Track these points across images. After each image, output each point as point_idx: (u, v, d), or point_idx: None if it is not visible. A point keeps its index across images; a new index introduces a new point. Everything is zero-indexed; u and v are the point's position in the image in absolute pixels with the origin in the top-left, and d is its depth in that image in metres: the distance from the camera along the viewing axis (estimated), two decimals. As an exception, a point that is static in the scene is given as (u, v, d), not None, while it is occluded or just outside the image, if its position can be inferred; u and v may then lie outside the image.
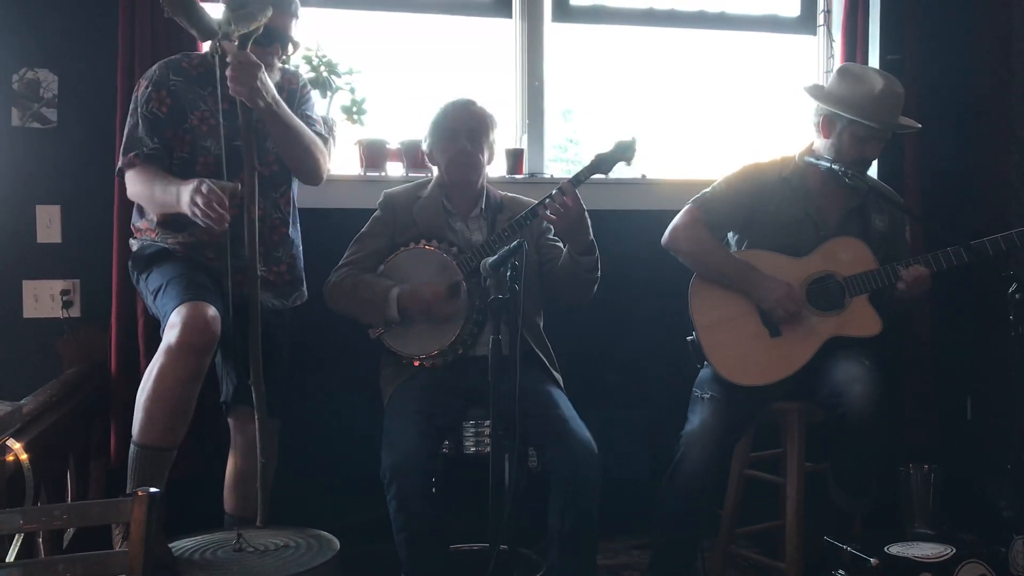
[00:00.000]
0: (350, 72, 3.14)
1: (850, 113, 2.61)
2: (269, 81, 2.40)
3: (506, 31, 3.41)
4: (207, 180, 2.28)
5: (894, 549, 2.45)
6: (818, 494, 2.72)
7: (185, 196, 2.28)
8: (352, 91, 3.16)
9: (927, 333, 3.35)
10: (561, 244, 2.71)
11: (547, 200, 2.54)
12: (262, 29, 2.35)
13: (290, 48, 2.56)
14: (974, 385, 3.42)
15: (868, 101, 2.60)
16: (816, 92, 2.72)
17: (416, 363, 2.62)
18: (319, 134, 2.64)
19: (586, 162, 2.62)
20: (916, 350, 3.36)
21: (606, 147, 2.60)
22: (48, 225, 2.93)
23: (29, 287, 2.93)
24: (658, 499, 2.62)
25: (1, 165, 2.90)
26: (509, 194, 2.87)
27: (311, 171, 2.60)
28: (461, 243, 2.68)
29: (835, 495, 2.68)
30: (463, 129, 2.69)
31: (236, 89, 2.33)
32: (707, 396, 2.63)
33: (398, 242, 2.70)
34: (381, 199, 2.79)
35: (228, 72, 2.33)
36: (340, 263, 2.70)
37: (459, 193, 2.75)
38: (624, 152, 2.59)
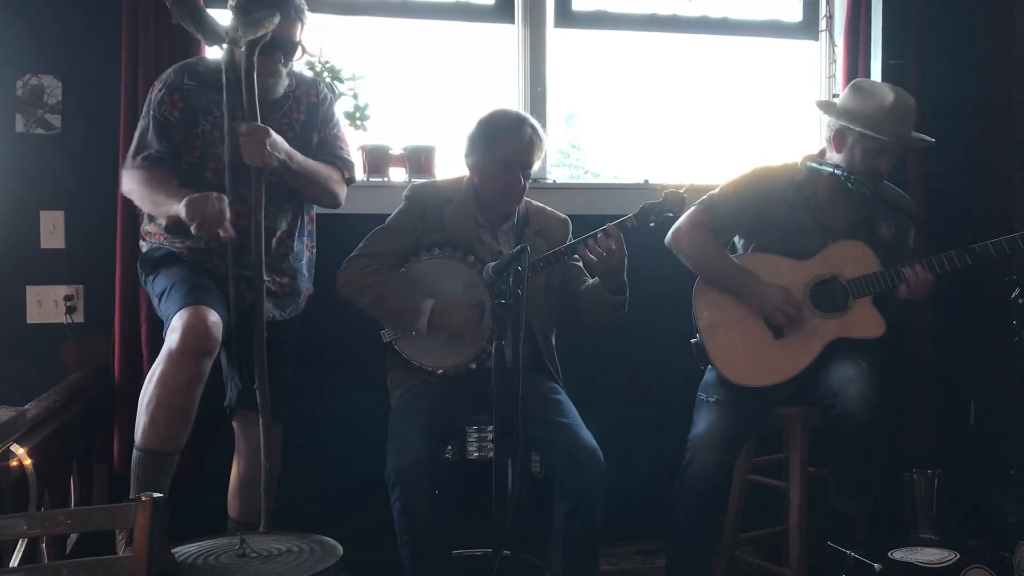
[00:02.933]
0: (353, 78, 3.15)
1: (860, 126, 2.60)
2: (280, 141, 2.43)
3: (509, 37, 3.41)
4: (210, 196, 2.29)
5: (898, 554, 2.45)
6: (821, 499, 2.72)
7: (184, 208, 2.28)
8: (355, 97, 3.17)
9: (930, 338, 3.35)
10: (582, 264, 2.67)
11: (590, 240, 2.50)
12: (269, 36, 2.36)
13: (298, 52, 2.55)
14: (977, 390, 3.41)
15: (878, 114, 2.59)
16: (827, 107, 2.73)
17: (428, 369, 2.60)
18: (341, 158, 2.68)
19: (635, 208, 2.59)
20: (919, 355, 3.35)
21: (656, 197, 2.58)
22: (51, 231, 2.94)
23: (32, 293, 2.93)
24: (669, 506, 2.63)
25: (5, 171, 2.91)
26: (535, 203, 2.82)
27: (328, 203, 2.67)
28: (489, 257, 2.62)
29: (834, 498, 2.68)
30: (519, 161, 2.59)
31: (248, 159, 2.37)
32: (712, 400, 2.63)
33: (423, 243, 2.64)
34: (408, 191, 2.71)
35: (242, 145, 2.36)
36: (359, 251, 2.63)
37: (494, 209, 2.70)
38: (674, 204, 2.56)
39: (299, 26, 2.52)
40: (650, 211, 2.57)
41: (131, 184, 2.50)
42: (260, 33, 2.33)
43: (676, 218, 2.64)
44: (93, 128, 2.92)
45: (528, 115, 2.69)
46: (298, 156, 2.52)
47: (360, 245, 2.65)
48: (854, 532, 2.73)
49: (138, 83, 2.80)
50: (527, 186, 2.67)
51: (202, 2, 2.39)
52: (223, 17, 2.41)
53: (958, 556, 2.43)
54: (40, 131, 2.93)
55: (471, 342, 2.58)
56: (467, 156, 2.68)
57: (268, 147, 2.37)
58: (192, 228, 2.28)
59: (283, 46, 2.48)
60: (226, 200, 2.31)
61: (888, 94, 2.61)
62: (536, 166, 2.70)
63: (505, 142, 2.59)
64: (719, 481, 2.61)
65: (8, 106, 2.90)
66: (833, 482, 2.68)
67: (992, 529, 2.98)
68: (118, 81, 2.83)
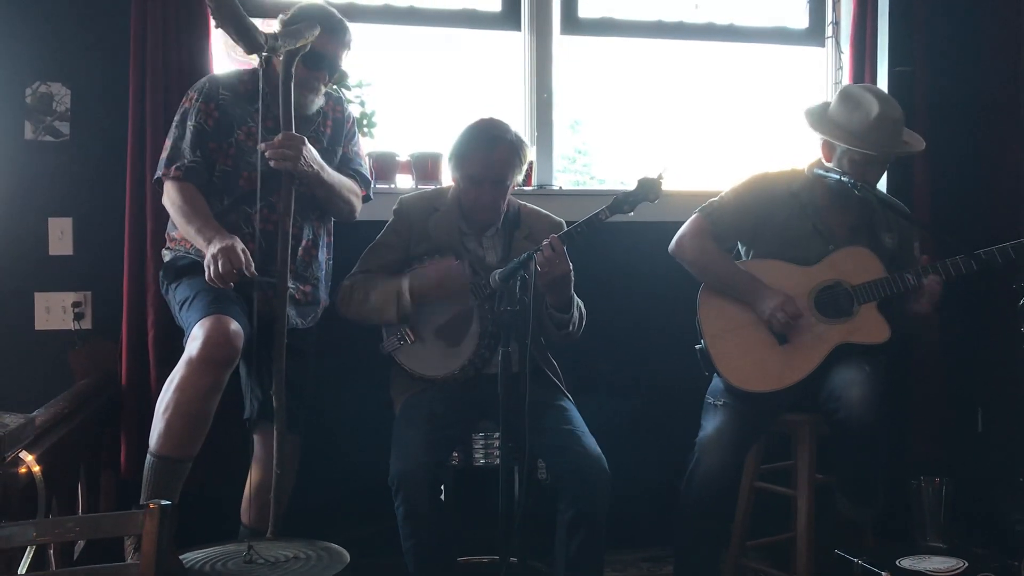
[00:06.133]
0: (360, 85, 3.16)
1: (844, 141, 2.61)
2: (314, 151, 2.47)
3: (515, 44, 3.42)
4: (238, 249, 2.30)
5: (906, 562, 2.44)
6: (829, 506, 2.72)
7: (209, 252, 2.32)
8: (362, 104, 3.18)
9: (937, 345, 3.34)
10: None
11: (536, 252, 2.44)
12: (309, 48, 2.40)
13: (337, 76, 2.61)
14: (985, 397, 3.40)
15: (863, 128, 2.59)
16: (816, 116, 2.72)
17: (427, 377, 2.61)
18: (361, 175, 2.73)
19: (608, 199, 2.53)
20: (926, 362, 3.34)
21: (629, 185, 2.53)
22: (60, 237, 2.95)
23: (41, 299, 2.94)
24: (677, 508, 2.63)
25: (14, 178, 2.92)
26: (529, 206, 2.82)
27: (347, 216, 2.71)
28: (475, 262, 2.64)
29: (841, 504, 2.68)
30: (488, 178, 2.59)
31: (281, 164, 2.39)
32: (720, 403, 2.64)
33: (413, 253, 2.68)
34: (397, 205, 2.76)
35: (274, 150, 2.38)
36: (353, 271, 2.70)
37: (474, 219, 2.71)
38: (648, 191, 2.50)
39: (345, 52, 2.58)
40: (623, 201, 2.51)
41: (168, 199, 2.52)
42: (299, 44, 2.36)
43: (653, 206, 2.57)
44: (101, 135, 2.94)
45: (510, 129, 2.64)
46: (328, 169, 2.57)
47: (355, 267, 2.70)
48: (862, 540, 2.72)
49: (146, 91, 2.81)
50: (501, 201, 2.65)
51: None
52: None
53: (966, 564, 2.42)
54: (49, 138, 2.94)
55: (462, 343, 2.58)
56: (449, 166, 2.70)
57: (304, 155, 2.41)
58: (208, 273, 2.30)
59: (329, 66, 2.54)
60: (247, 256, 2.32)
61: (873, 107, 2.59)
62: (516, 179, 2.66)
63: (474, 159, 2.59)
64: (726, 484, 2.61)
65: (17, 113, 2.92)
66: (839, 487, 2.67)
67: (1001, 537, 2.97)
68: (126, 89, 2.84)
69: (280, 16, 2.48)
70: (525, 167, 2.69)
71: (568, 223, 2.83)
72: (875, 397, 2.47)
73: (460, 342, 2.60)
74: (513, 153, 2.61)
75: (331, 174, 2.58)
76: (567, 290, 2.55)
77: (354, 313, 2.65)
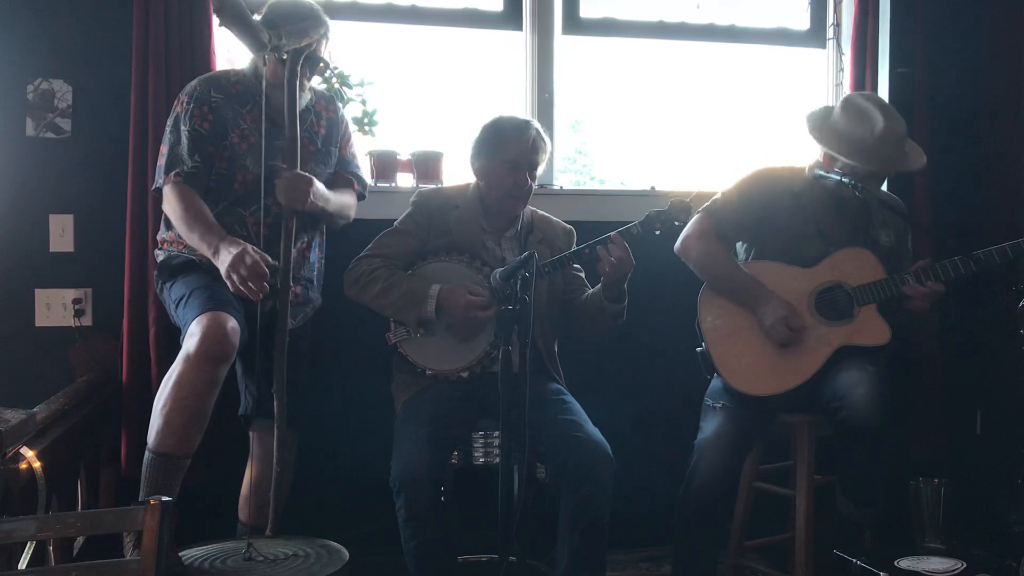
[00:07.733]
0: (361, 84, 3.16)
1: (847, 157, 2.58)
2: (321, 187, 2.49)
3: (516, 43, 3.42)
4: (251, 250, 2.30)
5: (904, 563, 2.45)
6: (828, 507, 2.72)
7: (225, 261, 2.31)
8: (364, 103, 3.18)
9: (937, 347, 3.34)
10: (584, 275, 2.72)
11: (599, 248, 2.52)
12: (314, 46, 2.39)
13: (319, 67, 2.59)
14: (984, 399, 3.41)
15: (867, 144, 2.57)
16: (818, 123, 2.69)
17: (430, 372, 2.62)
18: (358, 176, 2.77)
19: (640, 216, 2.62)
20: (926, 364, 3.35)
21: (662, 205, 2.61)
22: (61, 234, 2.95)
23: (41, 296, 2.94)
24: (676, 510, 2.63)
25: (15, 174, 2.92)
26: (540, 212, 2.85)
27: (342, 225, 2.74)
28: (493, 262, 2.65)
29: (841, 505, 2.68)
30: (525, 161, 2.63)
31: (291, 204, 2.40)
32: (719, 405, 2.64)
33: (430, 247, 2.67)
34: (415, 197, 2.75)
35: (281, 189, 2.39)
36: (367, 252, 2.66)
37: (499, 214, 2.72)
38: (679, 212, 2.58)
39: (324, 42, 2.56)
40: (655, 219, 2.60)
41: (169, 205, 2.50)
42: (304, 43, 2.35)
43: (682, 226, 2.66)
44: (103, 132, 2.94)
45: (532, 119, 2.73)
46: (332, 199, 2.59)
47: (368, 247, 2.68)
48: (861, 540, 2.73)
49: (148, 88, 2.82)
50: (533, 188, 2.70)
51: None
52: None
53: (965, 565, 2.42)
54: (50, 135, 2.94)
55: (474, 341, 2.58)
56: (473, 160, 2.71)
57: (311, 196, 2.42)
58: (232, 287, 2.30)
59: (310, 62, 2.51)
60: (259, 254, 2.31)
61: (877, 122, 2.57)
62: (541, 169, 2.72)
63: (511, 143, 2.63)
64: (725, 485, 2.61)
65: (18, 110, 2.91)
66: (840, 488, 2.67)
67: (999, 538, 2.97)
68: (128, 86, 2.84)
69: (257, 17, 2.44)
70: (548, 156, 2.74)
71: (572, 223, 2.87)
72: (879, 397, 2.47)
73: (473, 340, 2.60)
74: (541, 138, 2.67)
75: (334, 203, 2.60)
76: (624, 283, 2.61)
77: (365, 299, 2.61)
